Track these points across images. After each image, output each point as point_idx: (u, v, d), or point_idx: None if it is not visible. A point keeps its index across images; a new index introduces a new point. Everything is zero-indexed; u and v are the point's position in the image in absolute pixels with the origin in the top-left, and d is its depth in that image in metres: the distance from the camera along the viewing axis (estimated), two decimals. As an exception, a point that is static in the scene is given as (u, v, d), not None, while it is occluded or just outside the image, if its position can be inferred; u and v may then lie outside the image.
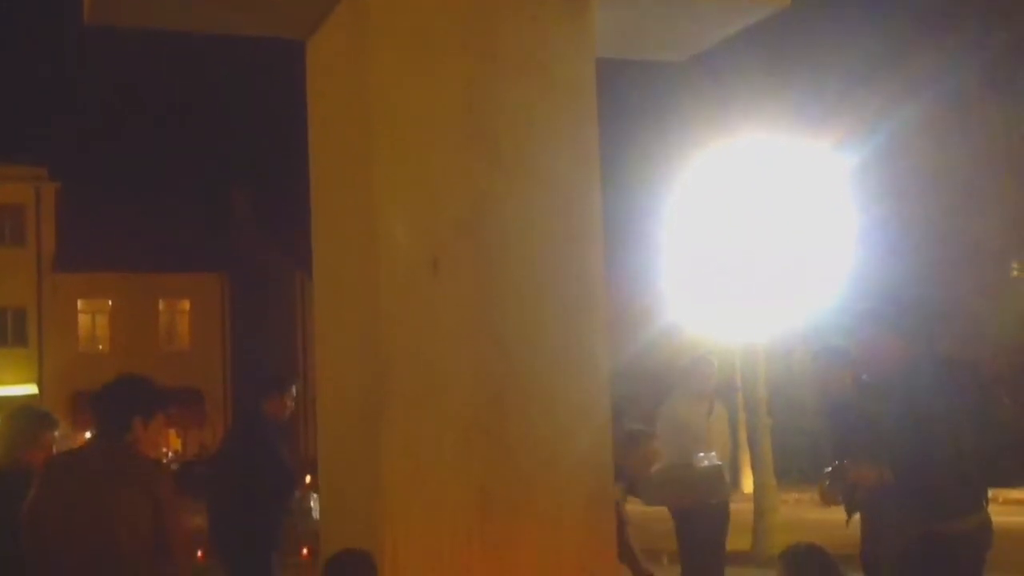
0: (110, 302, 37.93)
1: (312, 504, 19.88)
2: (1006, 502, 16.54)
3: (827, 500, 6.06)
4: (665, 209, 15.94)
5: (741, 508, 12.20)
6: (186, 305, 39.59)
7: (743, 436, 20.71)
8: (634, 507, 11.62)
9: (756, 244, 14.14)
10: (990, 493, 5.20)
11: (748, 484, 19.52)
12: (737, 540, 10.14)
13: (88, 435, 5.71)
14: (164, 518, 4.18)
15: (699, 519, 11.02)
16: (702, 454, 10.98)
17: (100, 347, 36.62)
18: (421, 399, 5.00)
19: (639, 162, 22.73)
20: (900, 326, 5.25)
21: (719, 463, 10.26)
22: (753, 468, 16.99)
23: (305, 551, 11.88)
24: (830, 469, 5.73)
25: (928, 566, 4.87)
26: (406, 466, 4.94)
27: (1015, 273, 31.12)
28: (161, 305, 39.02)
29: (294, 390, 7.00)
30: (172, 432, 36.14)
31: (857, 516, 5.79)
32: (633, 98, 24.22)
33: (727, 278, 14.71)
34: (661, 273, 17.05)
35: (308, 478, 17.64)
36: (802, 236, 14.06)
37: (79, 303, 37.59)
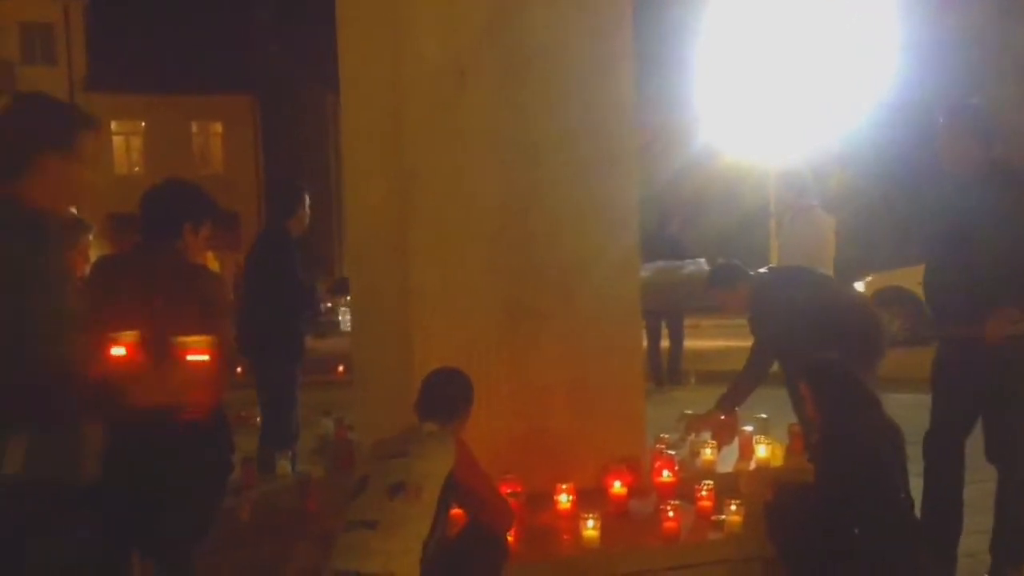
0: (143, 124, 37.82)
1: (342, 318, 20.19)
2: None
3: None
4: (701, 26, 15.54)
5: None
6: (219, 127, 39.38)
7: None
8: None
9: (794, 61, 13.80)
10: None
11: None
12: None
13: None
14: (212, 320, 4.17)
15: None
16: (687, 260, 11.01)
17: (136, 169, 36.68)
18: (446, 209, 5.00)
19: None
20: (978, 129, 5.02)
21: (705, 268, 10.20)
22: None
23: (341, 368, 12.10)
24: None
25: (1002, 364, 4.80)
26: (433, 274, 4.98)
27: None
28: (194, 127, 38.86)
29: (307, 200, 6.85)
30: (211, 255, 36.58)
31: None
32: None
33: (764, 97, 14.44)
34: (696, 94, 16.73)
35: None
36: (842, 52, 13.68)
37: (112, 124, 37.42)
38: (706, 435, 5.83)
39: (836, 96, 14.17)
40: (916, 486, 4.70)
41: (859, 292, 6.05)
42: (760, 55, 14.22)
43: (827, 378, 4.52)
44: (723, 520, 4.62)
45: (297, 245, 6.73)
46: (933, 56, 19.06)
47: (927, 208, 5.28)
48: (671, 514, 4.53)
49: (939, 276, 5.01)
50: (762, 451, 5.64)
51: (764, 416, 6.11)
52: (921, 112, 5.36)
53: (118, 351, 3.12)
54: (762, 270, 6.57)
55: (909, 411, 5.18)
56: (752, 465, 5.61)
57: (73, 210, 5.39)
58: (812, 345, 4.96)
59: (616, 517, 4.81)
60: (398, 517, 3.75)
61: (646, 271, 8.87)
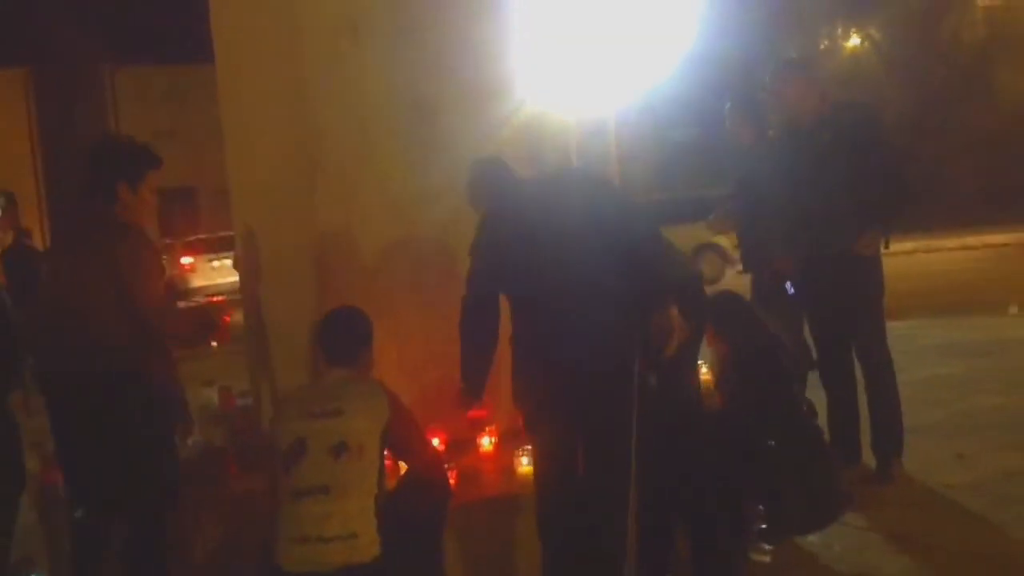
0: (-99, 100, 35.18)
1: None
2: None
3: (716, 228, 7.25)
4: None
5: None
6: (-13, 104, 37.01)
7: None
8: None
9: (602, 11, 14.13)
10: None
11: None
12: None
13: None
14: (125, 277, 3.98)
15: None
16: None
17: None
18: (351, 163, 5.05)
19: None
20: (813, 80, 5.48)
21: None
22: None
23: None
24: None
25: (848, 279, 5.32)
26: (340, 226, 5.03)
27: (824, 44, 32.18)
28: (-40, 104, 36.42)
29: None
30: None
31: None
32: None
33: (573, 47, 14.73)
34: (512, 47, 16.89)
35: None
36: (647, 4, 14.11)
37: None
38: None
39: (641, 49, 14.61)
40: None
41: None
42: (567, 8, 14.49)
43: (728, 310, 4.84)
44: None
45: None
46: (735, 9, 19.90)
47: (776, 154, 5.76)
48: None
49: (798, 208, 5.48)
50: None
51: None
52: (724, 64, 5.82)
53: None
54: None
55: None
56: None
57: None
58: None
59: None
60: (348, 477, 3.72)
61: None
